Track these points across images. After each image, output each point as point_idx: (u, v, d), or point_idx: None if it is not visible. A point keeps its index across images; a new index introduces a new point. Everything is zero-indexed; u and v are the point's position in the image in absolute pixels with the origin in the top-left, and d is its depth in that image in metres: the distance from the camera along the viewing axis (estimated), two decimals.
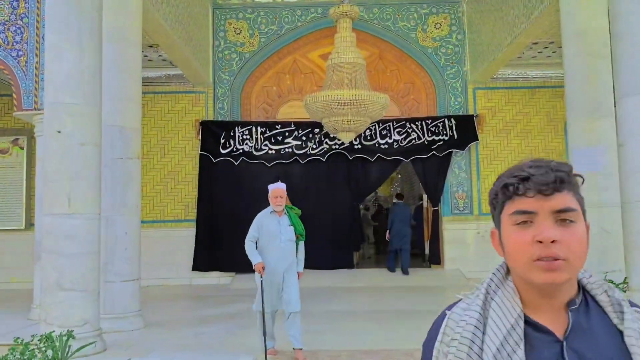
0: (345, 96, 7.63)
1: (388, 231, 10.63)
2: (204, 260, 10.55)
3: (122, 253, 6.30)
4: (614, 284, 5.50)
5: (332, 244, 10.76)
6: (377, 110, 7.99)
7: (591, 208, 6.11)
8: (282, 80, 11.38)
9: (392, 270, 10.57)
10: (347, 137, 8.17)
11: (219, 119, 11.03)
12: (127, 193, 6.44)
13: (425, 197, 11.24)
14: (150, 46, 9.43)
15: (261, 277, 5.02)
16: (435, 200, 10.81)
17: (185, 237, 10.72)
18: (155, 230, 10.83)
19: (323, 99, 7.71)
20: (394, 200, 10.58)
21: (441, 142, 10.75)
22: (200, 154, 10.82)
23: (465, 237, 10.78)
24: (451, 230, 10.84)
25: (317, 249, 10.82)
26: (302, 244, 5.45)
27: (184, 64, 9.89)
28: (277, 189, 5.49)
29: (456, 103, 11.09)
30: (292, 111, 11.25)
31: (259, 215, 5.51)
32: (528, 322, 0.97)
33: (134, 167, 6.56)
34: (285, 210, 5.45)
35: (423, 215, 11.71)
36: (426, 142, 10.78)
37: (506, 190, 1.00)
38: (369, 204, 17.47)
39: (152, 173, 10.97)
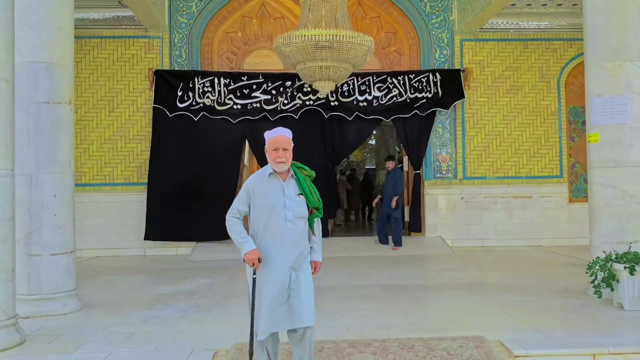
0: (324, 37, 6.47)
1: (379, 197, 9.59)
2: (157, 229, 9.35)
3: (51, 220, 5.09)
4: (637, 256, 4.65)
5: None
6: (361, 56, 6.87)
7: (612, 168, 5.21)
8: (248, 25, 10.07)
9: (384, 241, 9.50)
10: (325, 88, 7.05)
11: (176, 69, 9.69)
12: (57, 146, 5.18)
13: (405, 159, 10.26)
14: None
15: (254, 274, 3.15)
16: (417, 162, 9.85)
17: (138, 203, 9.49)
18: (104, 194, 9.56)
19: (298, 41, 6.54)
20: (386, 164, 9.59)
21: (424, 100, 9.72)
22: (154, 108, 9.51)
23: (448, 202, 9.91)
24: (433, 195, 9.94)
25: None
26: (318, 222, 3.42)
27: (135, 4, 8.48)
28: (279, 138, 3.34)
29: (441, 56, 10.04)
30: (260, 61, 10.00)
31: (251, 178, 3.35)
32: None
33: (65, 114, 5.28)
34: (292, 172, 3.34)
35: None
36: (408, 100, 9.73)
37: None
38: (342, 168, 16.45)
39: (100, 130, 9.61)
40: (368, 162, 21.39)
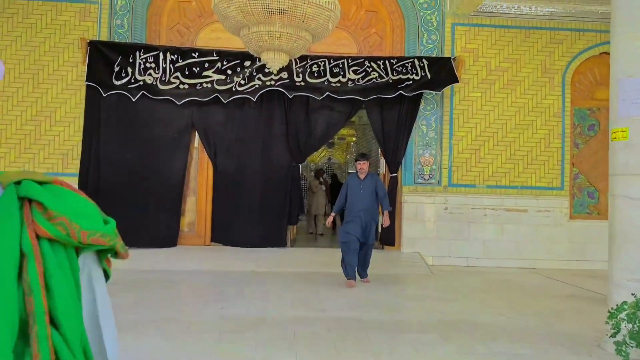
0: None
1: (333, 214, 6.80)
2: None
3: None
4: None
5: (260, 214, 8.24)
6: (322, 22, 5.38)
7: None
8: None
9: (351, 277, 6.34)
10: (275, 61, 5.54)
11: (116, 40, 8.18)
12: None
13: (382, 161, 8.79)
14: None
15: None
16: (394, 163, 8.38)
17: None
18: None
19: None
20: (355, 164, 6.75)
21: (410, 82, 8.22)
22: (87, 86, 7.99)
23: (428, 213, 8.45)
24: (412, 203, 8.47)
25: (240, 221, 8.31)
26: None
27: None
28: None
29: (429, 42, 8.59)
30: (216, 37, 8.50)
31: None
32: None
33: None
34: None
35: None
36: (391, 81, 8.23)
37: None
38: (325, 175, 13.88)
39: (20, 108, 8.07)
40: (351, 165, 19.93)
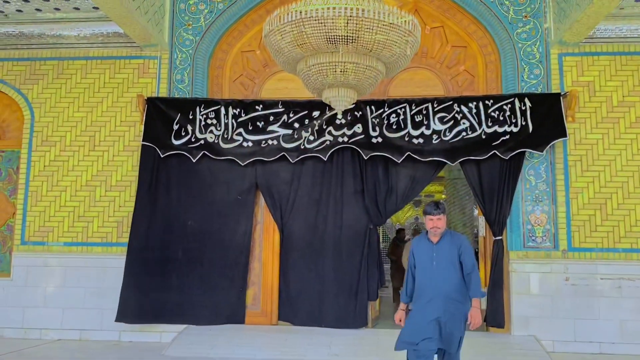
0: (337, 11, 3.91)
1: (401, 306, 4.60)
2: (134, 307, 6.93)
3: None
4: None
5: (334, 287, 6.96)
6: (398, 49, 4.22)
7: None
8: None
9: None
10: (340, 100, 4.42)
11: (177, 96, 7.50)
12: None
13: (481, 220, 7.28)
14: None
15: None
16: (497, 223, 6.84)
17: (117, 270, 7.15)
18: (75, 257, 7.34)
19: (292, 19, 4.04)
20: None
21: (507, 137, 6.83)
22: (143, 146, 7.29)
23: (545, 284, 6.76)
24: (522, 273, 6.82)
25: (311, 296, 7.06)
26: None
27: (121, 17, 6.52)
28: None
29: (532, 76, 7.18)
30: (283, 87, 7.62)
31: None
32: None
33: None
34: None
35: (478, 249, 7.77)
36: (484, 136, 6.88)
37: None
38: (405, 233, 12.28)
39: (75, 173, 7.50)
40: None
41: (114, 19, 6.58)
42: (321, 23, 4.00)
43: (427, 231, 4.49)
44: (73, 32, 7.57)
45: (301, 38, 4.15)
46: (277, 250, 7.24)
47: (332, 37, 4.10)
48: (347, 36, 4.08)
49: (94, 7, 7.16)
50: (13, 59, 7.79)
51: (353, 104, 4.69)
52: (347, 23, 3.98)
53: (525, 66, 7.20)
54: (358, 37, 4.11)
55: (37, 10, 7.36)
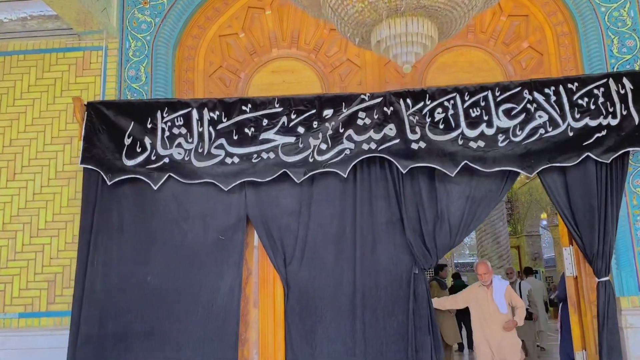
0: None
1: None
2: None
3: None
4: None
5: (372, 349, 4.73)
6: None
7: None
8: (257, 22, 5.70)
9: None
10: (411, 43, 2.30)
11: (130, 99, 5.35)
12: None
13: (569, 251, 5.13)
14: None
15: None
16: (602, 259, 4.68)
17: (50, 352, 4.84)
18: None
19: None
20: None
21: (603, 133, 4.75)
22: (84, 170, 5.09)
23: None
24: None
25: None
26: None
27: None
28: None
29: (624, 50, 5.17)
30: (278, 80, 5.53)
31: None
32: None
33: None
34: None
35: (564, 295, 5.62)
36: (571, 133, 4.80)
37: None
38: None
39: None
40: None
41: None
42: None
43: None
44: None
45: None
46: (281, 314, 4.98)
47: None
48: None
49: None
50: None
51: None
52: None
53: (613, 37, 5.20)
54: None
55: None
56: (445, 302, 6.43)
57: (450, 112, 4.91)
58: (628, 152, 4.79)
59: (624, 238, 4.83)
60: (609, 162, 4.71)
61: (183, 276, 4.94)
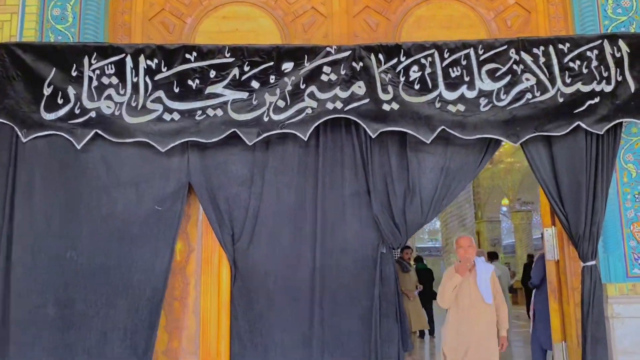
0: None
1: None
2: None
3: None
4: None
5: (327, 356, 4.11)
6: None
7: None
8: None
9: None
10: None
11: (52, 41, 4.51)
12: None
13: (551, 232, 4.63)
14: None
15: None
16: (589, 241, 4.19)
17: None
18: None
19: None
20: None
21: (596, 100, 4.22)
22: None
23: None
24: (630, 319, 4.21)
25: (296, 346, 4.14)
26: None
27: None
28: None
29: (620, 11, 4.66)
30: (231, 28, 4.79)
31: None
32: None
33: None
34: None
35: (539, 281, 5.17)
36: (561, 98, 4.24)
37: None
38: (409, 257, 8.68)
39: None
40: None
41: None
42: None
43: None
44: None
45: None
46: (227, 298, 4.29)
47: None
48: None
49: None
50: None
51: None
52: None
53: None
54: None
55: None
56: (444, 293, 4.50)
57: (428, 70, 4.28)
58: (621, 123, 4.30)
59: (612, 218, 4.35)
60: (602, 132, 4.20)
61: (111, 252, 4.20)
